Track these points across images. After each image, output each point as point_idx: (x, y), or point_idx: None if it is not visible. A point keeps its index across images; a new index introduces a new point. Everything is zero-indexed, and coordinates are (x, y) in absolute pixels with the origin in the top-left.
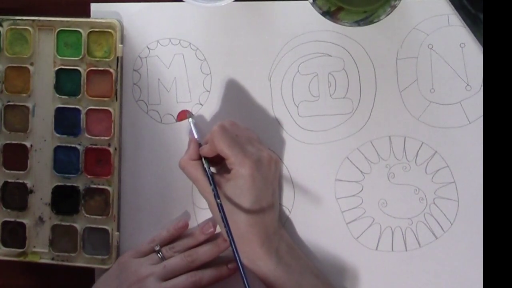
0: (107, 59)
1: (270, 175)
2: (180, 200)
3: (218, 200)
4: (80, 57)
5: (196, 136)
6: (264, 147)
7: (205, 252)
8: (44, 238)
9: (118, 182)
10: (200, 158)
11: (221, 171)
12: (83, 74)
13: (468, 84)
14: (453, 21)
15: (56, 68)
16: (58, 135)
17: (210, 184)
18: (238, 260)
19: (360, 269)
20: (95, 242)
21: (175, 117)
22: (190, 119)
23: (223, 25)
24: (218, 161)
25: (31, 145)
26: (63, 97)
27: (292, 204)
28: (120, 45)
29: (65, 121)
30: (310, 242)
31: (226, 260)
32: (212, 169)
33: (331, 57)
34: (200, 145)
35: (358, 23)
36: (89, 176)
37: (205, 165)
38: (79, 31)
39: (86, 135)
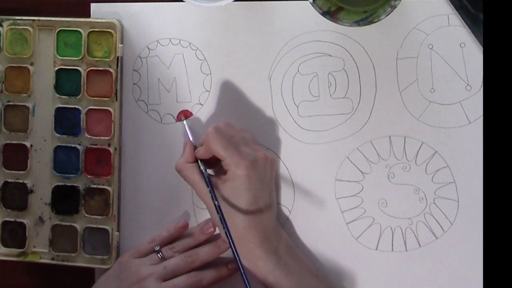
0: (107, 59)
1: (267, 175)
2: (180, 200)
3: (216, 202)
4: (80, 57)
5: (191, 138)
6: (259, 147)
7: (205, 253)
8: (44, 238)
9: (118, 182)
10: (196, 160)
11: (218, 173)
12: (83, 74)
13: (468, 84)
14: (453, 21)
15: (56, 68)
16: (58, 135)
17: (207, 186)
18: (238, 261)
19: (360, 269)
20: (95, 242)
21: (175, 117)
22: (185, 121)
23: (223, 25)
24: (214, 163)
25: (31, 145)
26: (63, 97)
27: (292, 204)
28: (120, 45)
29: (65, 121)
30: (310, 242)
31: (226, 260)
32: (209, 171)
33: (331, 57)
34: (195, 147)
35: (358, 23)
36: (89, 176)
37: (202, 167)
38: (79, 31)
39: (86, 135)
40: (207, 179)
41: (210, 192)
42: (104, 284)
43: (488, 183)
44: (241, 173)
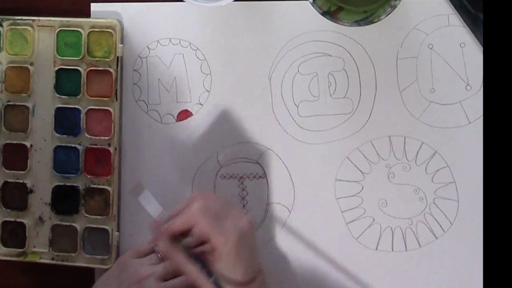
0: (107, 59)
1: (253, 240)
2: (180, 200)
3: (214, 276)
4: (80, 57)
5: (157, 214)
6: (239, 213)
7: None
8: (44, 238)
9: (118, 182)
10: (173, 238)
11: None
12: (83, 74)
13: (468, 84)
14: (453, 21)
15: (56, 68)
16: (58, 135)
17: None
18: None
19: (360, 269)
20: (95, 242)
21: (175, 117)
22: (141, 196)
23: (223, 25)
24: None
25: (31, 145)
26: (63, 97)
27: (292, 204)
28: (120, 45)
29: (65, 121)
30: (310, 242)
31: None
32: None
33: (331, 57)
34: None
35: (358, 23)
36: (89, 176)
37: (181, 248)
38: (79, 31)
39: (86, 135)
40: (195, 258)
41: (202, 270)
42: (104, 284)
43: (488, 183)
44: (231, 251)
